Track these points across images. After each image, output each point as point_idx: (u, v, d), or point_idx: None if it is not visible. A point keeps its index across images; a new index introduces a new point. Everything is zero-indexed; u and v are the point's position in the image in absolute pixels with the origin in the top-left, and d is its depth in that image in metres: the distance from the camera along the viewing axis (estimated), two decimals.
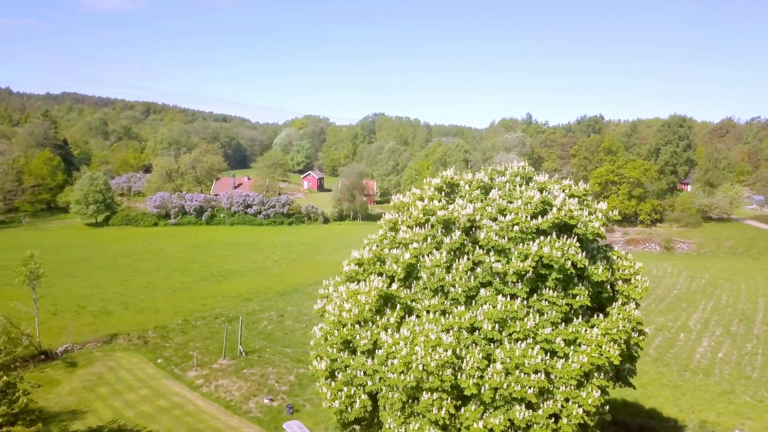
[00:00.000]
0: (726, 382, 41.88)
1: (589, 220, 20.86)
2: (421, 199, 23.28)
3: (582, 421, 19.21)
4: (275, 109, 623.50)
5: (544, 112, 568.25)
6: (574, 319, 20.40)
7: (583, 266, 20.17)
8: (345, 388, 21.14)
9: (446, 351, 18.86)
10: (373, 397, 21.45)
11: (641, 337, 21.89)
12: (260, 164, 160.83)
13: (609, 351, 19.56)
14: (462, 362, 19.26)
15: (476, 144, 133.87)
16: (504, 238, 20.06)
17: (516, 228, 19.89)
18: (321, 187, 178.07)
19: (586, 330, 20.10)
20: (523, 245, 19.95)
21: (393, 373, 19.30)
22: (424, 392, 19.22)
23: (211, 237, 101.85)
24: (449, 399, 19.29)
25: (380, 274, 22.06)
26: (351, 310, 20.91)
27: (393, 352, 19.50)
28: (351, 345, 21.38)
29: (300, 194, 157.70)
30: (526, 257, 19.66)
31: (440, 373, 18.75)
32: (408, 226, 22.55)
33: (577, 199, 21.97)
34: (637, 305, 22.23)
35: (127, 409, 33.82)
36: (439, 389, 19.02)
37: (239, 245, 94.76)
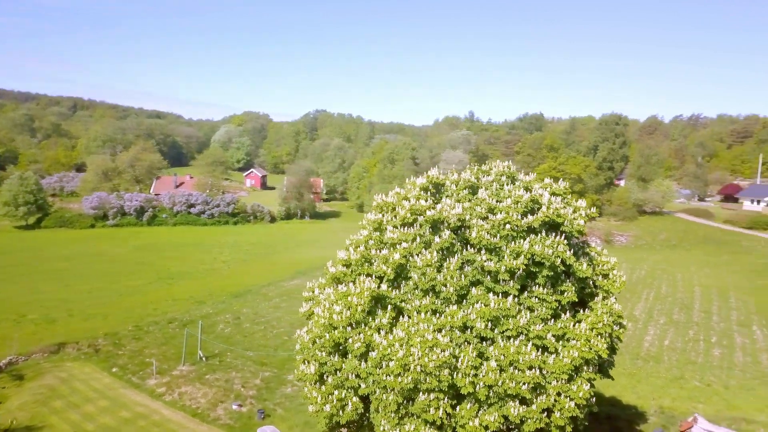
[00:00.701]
0: (675, 368, 44.10)
1: (574, 218, 21.37)
2: (406, 198, 23.24)
3: (573, 414, 19.72)
4: (210, 104, 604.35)
5: (485, 110, 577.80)
6: (562, 314, 20.89)
7: (570, 263, 20.68)
8: (336, 391, 20.85)
9: (443, 351, 18.92)
10: (363, 398, 21.26)
11: (621, 330, 22.65)
12: (200, 162, 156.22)
13: (597, 345, 20.15)
14: (457, 361, 19.38)
15: (422, 141, 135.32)
16: (496, 236, 20.28)
17: (508, 226, 20.15)
18: (264, 185, 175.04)
19: (574, 325, 20.64)
20: (514, 243, 20.23)
21: (389, 375, 19.17)
22: (421, 393, 19.21)
23: (155, 238, 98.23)
24: (446, 398, 19.37)
25: (368, 275, 21.85)
26: (342, 312, 20.62)
27: (388, 354, 19.38)
28: (341, 348, 21.11)
29: (243, 192, 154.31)
30: (518, 255, 19.96)
31: (438, 373, 18.78)
32: (394, 226, 22.47)
33: (560, 197, 22.51)
34: (615, 299, 23.00)
35: (86, 422, 32.11)
36: (436, 389, 19.06)
37: (185, 246, 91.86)
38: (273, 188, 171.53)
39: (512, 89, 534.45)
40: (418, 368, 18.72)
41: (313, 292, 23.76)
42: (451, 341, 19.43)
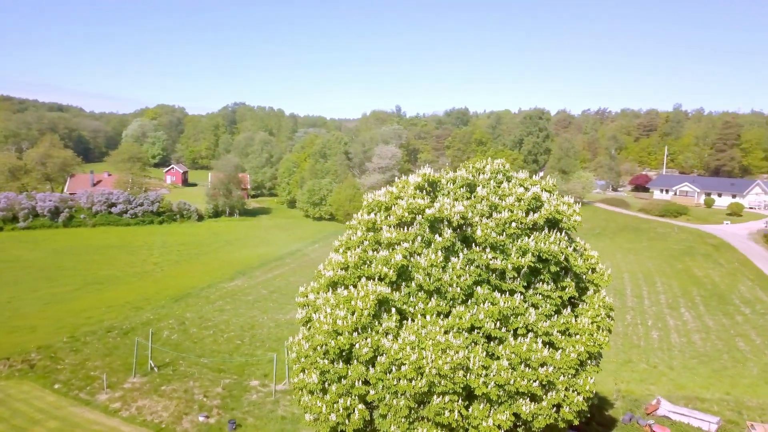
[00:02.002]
0: (622, 353, 46.34)
1: (570, 214, 21.72)
2: (399, 197, 22.79)
3: (581, 408, 20.09)
4: (114, 97, 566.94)
5: (410, 104, 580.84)
6: (563, 310, 21.19)
7: (570, 259, 21.01)
8: (341, 400, 20.11)
9: (457, 353, 18.70)
10: (368, 405, 20.66)
11: (612, 322, 23.30)
12: (116, 158, 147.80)
13: (599, 338, 20.63)
14: (469, 362, 19.19)
15: (354, 136, 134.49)
16: (502, 234, 20.23)
17: (514, 224, 20.15)
18: (186, 182, 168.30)
19: (575, 320, 20.98)
20: (519, 241, 20.28)
21: (402, 380, 18.72)
22: (435, 396, 18.88)
23: (74, 241, 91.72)
24: (459, 400, 19.16)
25: (369, 278, 21.19)
26: (346, 317, 19.89)
27: (400, 358, 18.90)
28: (344, 354, 20.36)
29: (164, 190, 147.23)
30: (524, 252, 20.00)
31: (452, 375, 18.54)
32: (390, 226, 21.95)
33: (552, 194, 22.82)
34: (605, 292, 23.64)
35: None
36: (450, 391, 18.81)
37: (110, 248, 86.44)
38: (195, 185, 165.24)
39: (435, 84, 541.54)
40: (433, 371, 18.38)
41: (307, 296, 22.78)
42: (462, 343, 19.22)
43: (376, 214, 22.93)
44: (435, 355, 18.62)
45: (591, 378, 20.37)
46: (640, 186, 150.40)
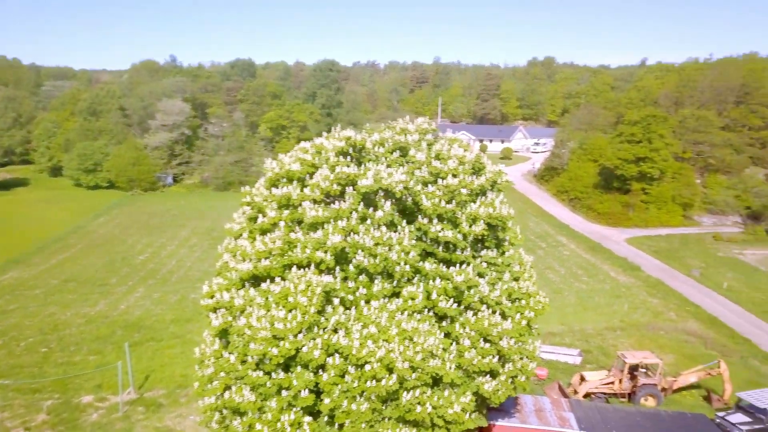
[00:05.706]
0: None
1: (501, 174, 20.58)
2: (315, 166, 19.34)
3: (533, 375, 19.59)
4: None
5: (179, 54, 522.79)
6: (502, 275, 20.21)
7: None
8: (284, 416, 16.64)
9: (427, 339, 16.62)
10: (313, 416, 17.51)
11: None
12: None
13: (539, 300, 20.18)
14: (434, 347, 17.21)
15: (127, 90, 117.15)
16: (451, 202, 18.23)
17: (464, 191, 18.25)
18: None
19: (516, 284, 20.15)
20: (467, 208, 18.53)
21: (369, 380, 16.07)
22: (405, 392, 16.62)
23: None
24: (429, 391, 17.17)
25: (300, 266, 17.59)
26: (287, 318, 16.27)
27: (364, 356, 16.13)
28: (282, 362, 16.78)
29: None
30: (474, 220, 18.34)
31: (424, 366, 16.47)
32: (314, 201, 18.49)
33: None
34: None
35: None
36: (421, 384, 16.74)
37: None
38: None
39: (206, 33, 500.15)
40: (405, 365, 16.05)
41: (214, 297, 18.20)
42: (425, 327, 17.11)
43: (291, 188, 19.06)
44: (403, 345, 16.25)
45: (537, 341, 19.89)
46: None
